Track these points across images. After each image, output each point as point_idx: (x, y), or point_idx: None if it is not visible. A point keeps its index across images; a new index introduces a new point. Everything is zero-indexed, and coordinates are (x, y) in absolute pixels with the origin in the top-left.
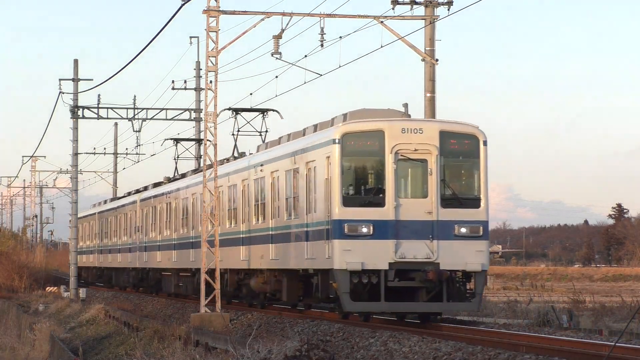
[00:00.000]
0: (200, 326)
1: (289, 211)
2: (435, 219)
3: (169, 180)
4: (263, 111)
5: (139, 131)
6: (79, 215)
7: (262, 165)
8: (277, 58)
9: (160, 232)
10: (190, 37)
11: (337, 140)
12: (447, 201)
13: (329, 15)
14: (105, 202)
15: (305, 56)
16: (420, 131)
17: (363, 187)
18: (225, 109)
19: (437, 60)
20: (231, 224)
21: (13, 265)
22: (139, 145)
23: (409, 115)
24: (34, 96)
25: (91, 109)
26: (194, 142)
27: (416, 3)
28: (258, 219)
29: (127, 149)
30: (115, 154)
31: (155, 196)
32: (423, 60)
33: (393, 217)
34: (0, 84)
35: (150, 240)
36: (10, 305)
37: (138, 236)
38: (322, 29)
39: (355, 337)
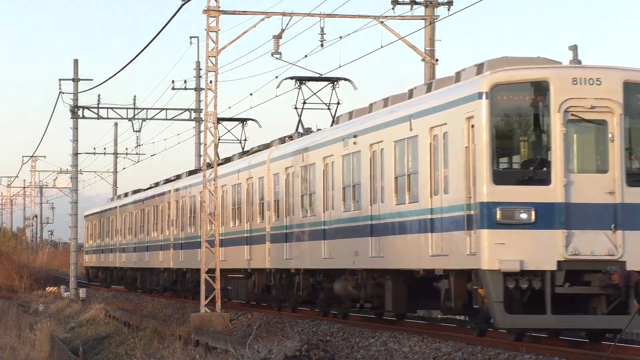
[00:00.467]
0: (200, 326)
1: (401, 194)
2: (619, 201)
3: (208, 166)
4: (333, 80)
5: (139, 131)
6: (91, 212)
7: (355, 136)
8: (277, 58)
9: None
10: (190, 37)
11: (484, 94)
12: (635, 177)
13: (329, 15)
14: (126, 194)
15: (305, 56)
16: (598, 82)
17: (520, 158)
18: (287, 78)
19: (437, 60)
20: (306, 213)
21: (13, 265)
22: (139, 145)
23: (579, 61)
24: (34, 96)
25: (91, 109)
26: (237, 122)
27: (416, 3)
28: (349, 206)
29: (127, 149)
30: (115, 154)
31: (193, 185)
32: (423, 60)
33: (562, 199)
34: (0, 84)
35: (188, 235)
36: (10, 305)
37: (172, 231)
38: (322, 29)
39: (355, 337)
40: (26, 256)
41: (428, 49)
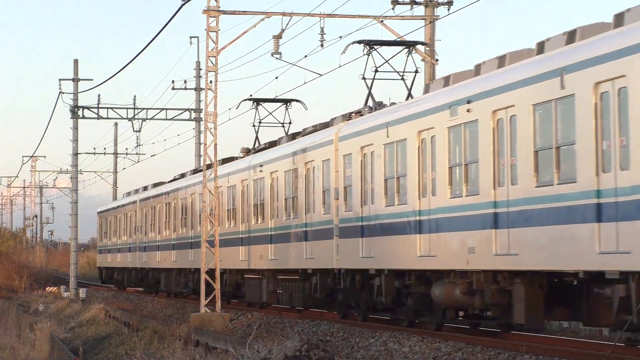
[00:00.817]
0: (200, 326)
1: (545, 172)
2: None
3: (247, 152)
4: (409, 45)
5: (139, 131)
6: (106, 207)
7: (469, 101)
8: (277, 58)
9: (245, 221)
10: (190, 37)
11: None
12: None
13: (329, 15)
14: (146, 188)
15: (305, 56)
16: None
17: None
18: (354, 42)
19: (437, 60)
20: (392, 201)
21: (13, 265)
22: (139, 145)
23: None
24: (34, 96)
25: (91, 109)
26: (280, 104)
27: (416, 3)
28: (459, 190)
29: (127, 149)
30: (115, 154)
31: (233, 173)
32: (423, 60)
33: None
34: (0, 84)
35: (225, 232)
36: (10, 305)
37: (205, 227)
38: (322, 29)
39: (355, 337)
40: (25, 256)
41: (428, 49)
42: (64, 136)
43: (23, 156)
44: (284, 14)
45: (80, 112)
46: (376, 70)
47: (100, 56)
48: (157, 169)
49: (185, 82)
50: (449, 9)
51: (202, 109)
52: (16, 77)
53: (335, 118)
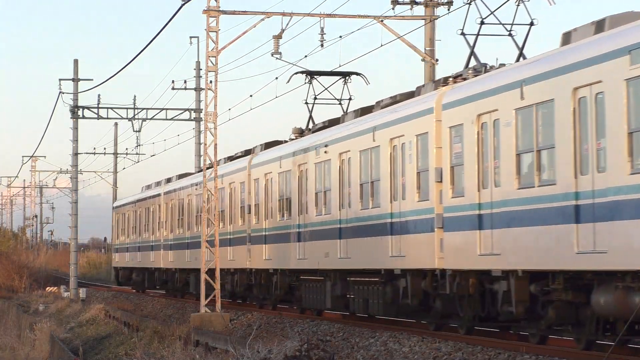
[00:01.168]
0: (200, 326)
1: None
2: None
3: (301, 133)
4: None
5: (139, 131)
6: (123, 202)
7: None
8: (277, 58)
9: (303, 212)
10: (190, 37)
11: None
12: None
13: (329, 15)
14: (169, 180)
15: (305, 56)
16: None
17: None
18: None
19: (437, 60)
20: (530, 181)
21: (13, 265)
22: (139, 145)
23: None
24: (34, 96)
25: (91, 109)
26: (339, 78)
27: (416, 3)
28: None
29: (127, 149)
30: (115, 154)
31: (285, 157)
32: (423, 60)
33: None
34: (0, 84)
35: (278, 226)
36: (10, 305)
37: (249, 221)
38: (322, 29)
39: (355, 337)
40: (26, 256)
41: (428, 49)
42: (64, 136)
43: (23, 156)
44: (284, 14)
45: (80, 112)
46: (482, 23)
47: (100, 56)
48: (157, 169)
49: (185, 82)
50: (449, 9)
51: (202, 109)
52: (16, 77)
53: (423, 86)
